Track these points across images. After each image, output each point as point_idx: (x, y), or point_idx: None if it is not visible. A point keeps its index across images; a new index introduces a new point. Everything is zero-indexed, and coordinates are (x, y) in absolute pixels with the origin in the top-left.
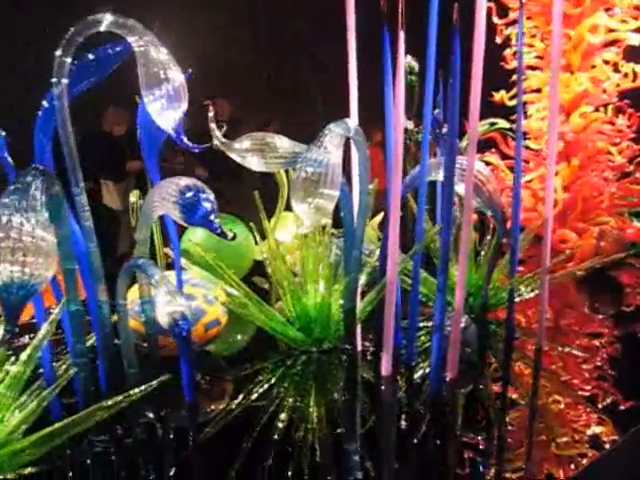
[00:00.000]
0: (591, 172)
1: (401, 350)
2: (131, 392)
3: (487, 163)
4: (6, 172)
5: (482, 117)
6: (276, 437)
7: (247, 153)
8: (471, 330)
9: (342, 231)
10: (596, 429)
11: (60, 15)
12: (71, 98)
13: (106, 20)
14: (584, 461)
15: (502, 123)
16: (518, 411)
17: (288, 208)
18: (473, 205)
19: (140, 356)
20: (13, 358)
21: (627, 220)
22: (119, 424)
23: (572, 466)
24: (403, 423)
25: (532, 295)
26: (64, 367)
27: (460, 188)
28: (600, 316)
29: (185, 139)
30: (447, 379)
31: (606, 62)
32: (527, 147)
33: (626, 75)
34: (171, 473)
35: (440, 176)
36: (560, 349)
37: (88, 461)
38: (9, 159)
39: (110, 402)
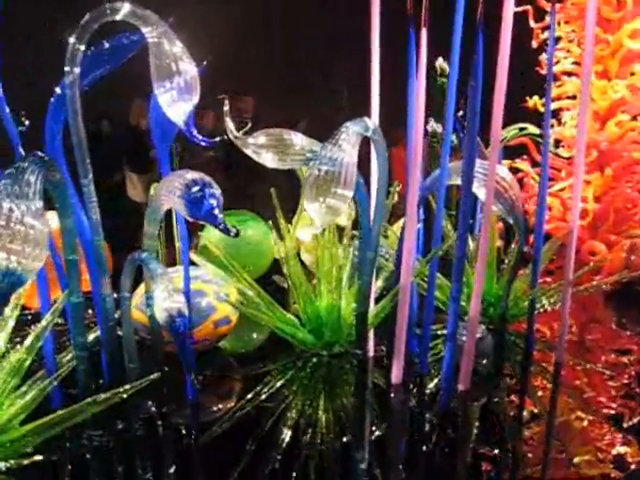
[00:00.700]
0: (625, 183)
1: (414, 357)
2: (121, 389)
3: (517, 170)
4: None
5: (514, 122)
6: (281, 441)
7: (262, 149)
8: (487, 341)
9: None
10: (620, 449)
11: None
12: (83, 87)
13: (124, 9)
14: None
15: (532, 129)
16: (535, 426)
17: None
18: (494, 212)
19: (146, 349)
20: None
21: None
22: (119, 418)
23: None
24: (412, 433)
25: (554, 307)
26: (67, 358)
27: (481, 193)
28: (628, 332)
29: (195, 132)
30: (459, 390)
31: None
32: (557, 155)
33: None
34: (170, 471)
35: (460, 180)
36: (583, 365)
37: (87, 455)
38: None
39: (103, 397)
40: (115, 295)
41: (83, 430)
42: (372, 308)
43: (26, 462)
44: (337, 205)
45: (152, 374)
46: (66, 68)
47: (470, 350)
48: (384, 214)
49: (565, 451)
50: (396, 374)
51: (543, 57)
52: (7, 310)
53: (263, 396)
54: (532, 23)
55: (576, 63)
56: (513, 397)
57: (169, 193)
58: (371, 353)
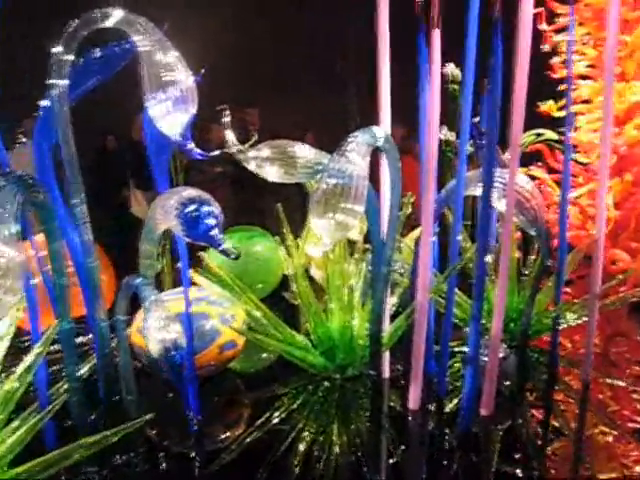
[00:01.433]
0: None
1: (432, 379)
2: (110, 432)
3: (533, 177)
4: None
5: (527, 128)
6: (292, 471)
7: (265, 162)
8: (510, 361)
9: None
10: None
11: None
12: (72, 100)
13: (116, 15)
14: None
15: (549, 134)
16: (560, 444)
17: None
18: (515, 223)
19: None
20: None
21: None
22: (118, 452)
23: None
24: (431, 458)
25: (579, 322)
26: (65, 388)
27: (501, 204)
28: None
29: (192, 145)
30: (481, 414)
31: None
32: (575, 161)
33: None
34: None
35: (478, 191)
36: (607, 379)
37: None
38: None
39: (91, 440)
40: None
41: (79, 467)
42: (387, 327)
43: None
44: (347, 221)
45: (152, 405)
46: (52, 80)
47: (492, 373)
48: (397, 227)
49: (590, 468)
50: (414, 399)
51: (555, 60)
52: None
53: (273, 422)
54: (544, 25)
55: (591, 66)
56: (537, 416)
57: (165, 212)
58: (387, 375)
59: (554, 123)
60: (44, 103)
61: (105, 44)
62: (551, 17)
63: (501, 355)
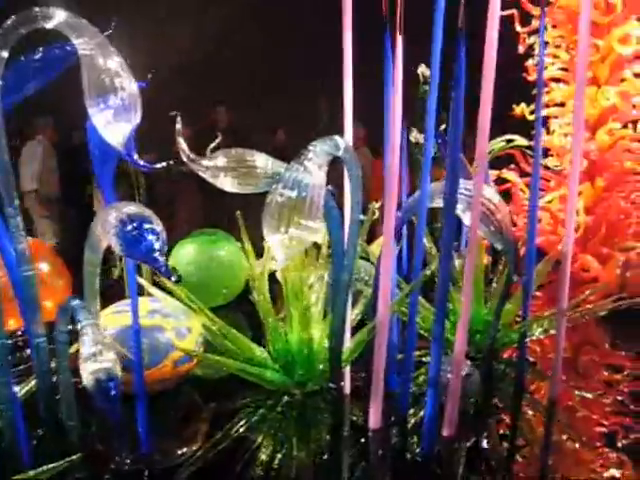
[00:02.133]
0: (617, 194)
1: (395, 395)
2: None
3: (504, 180)
4: None
5: (501, 131)
6: None
7: (220, 172)
8: (474, 379)
9: None
10: (615, 472)
11: None
12: (7, 105)
13: (58, 17)
14: None
15: (519, 140)
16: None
17: None
18: (480, 236)
19: None
20: None
21: None
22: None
23: None
24: (392, 477)
25: (548, 334)
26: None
27: (466, 217)
28: (622, 353)
29: (136, 156)
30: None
31: (636, 75)
32: (546, 167)
33: None
34: None
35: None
36: (577, 393)
37: None
38: None
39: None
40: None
41: None
42: (348, 341)
43: None
44: (302, 236)
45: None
46: None
47: (455, 394)
48: (360, 233)
49: (557, 475)
50: (374, 419)
51: (530, 63)
52: None
53: (231, 438)
54: (518, 27)
55: (564, 69)
56: (504, 432)
57: (104, 230)
58: (347, 390)
59: (528, 126)
60: None
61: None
62: (526, 19)
63: (465, 373)
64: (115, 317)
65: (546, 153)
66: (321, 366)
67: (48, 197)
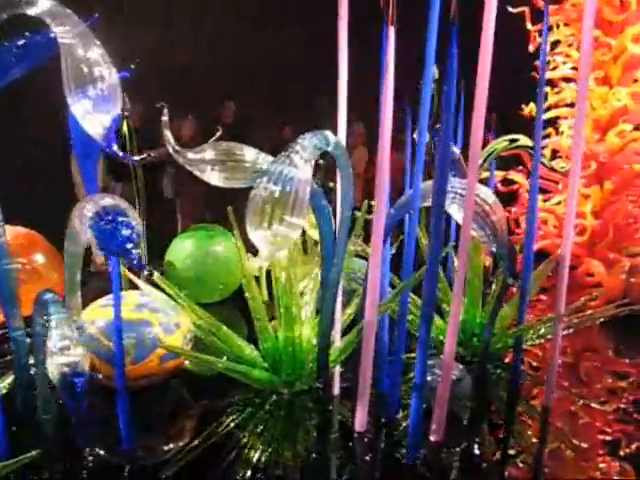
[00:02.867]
0: (626, 197)
1: (384, 396)
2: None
3: (511, 181)
4: None
5: (511, 131)
6: None
7: (207, 165)
8: (465, 383)
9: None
10: None
11: None
12: None
13: (40, 4)
14: None
15: (524, 140)
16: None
17: None
18: (475, 238)
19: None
20: None
21: None
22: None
23: None
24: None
25: (544, 340)
26: None
27: (459, 216)
28: (626, 360)
29: (116, 147)
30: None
31: None
32: (552, 169)
33: None
34: None
35: None
36: (575, 400)
37: None
38: None
39: None
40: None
41: None
42: (338, 341)
43: None
44: (286, 233)
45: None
46: None
47: (443, 398)
48: (349, 232)
49: None
50: (360, 422)
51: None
52: None
53: (217, 437)
54: (529, 25)
55: (575, 68)
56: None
57: (80, 222)
58: (336, 391)
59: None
60: None
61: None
62: (538, 16)
63: (456, 376)
64: (103, 310)
65: (555, 155)
66: (310, 365)
67: None
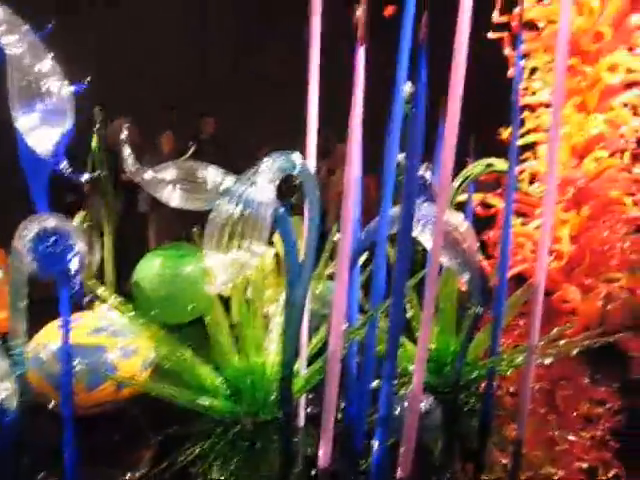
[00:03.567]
0: (603, 223)
1: (351, 428)
2: None
3: (489, 205)
4: None
5: (492, 155)
6: None
7: (167, 185)
8: (435, 415)
9: None
10: None
11: None
12: None
13: None
14: None
15: (500, 165)
16: None
17: None
18: (446, 266)
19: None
20: None
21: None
22: None
23: None
24: None
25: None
26: None
27: (429, 243)
28: (602, 388)
29: (64, 164)
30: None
31: (625, 104)
32: (526, 193)
33: None
34: None
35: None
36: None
37: None
38: None
39: None
40: None
41: None
42: (303, 370)
43: None
44: (245, 258)
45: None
46: None
47: (411, 432)
48: (314, 253)
49: None
50: (324, 457)
51: (519, 86)
52: None
53: (175, 468)
54: (507, 50)
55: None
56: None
57: (21, 243)
58: (301, 422)
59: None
60: None
61: None
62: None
63: (426, 408)
64: (59, 332)
65: (533, 179)
66: (275, 395)
67: None
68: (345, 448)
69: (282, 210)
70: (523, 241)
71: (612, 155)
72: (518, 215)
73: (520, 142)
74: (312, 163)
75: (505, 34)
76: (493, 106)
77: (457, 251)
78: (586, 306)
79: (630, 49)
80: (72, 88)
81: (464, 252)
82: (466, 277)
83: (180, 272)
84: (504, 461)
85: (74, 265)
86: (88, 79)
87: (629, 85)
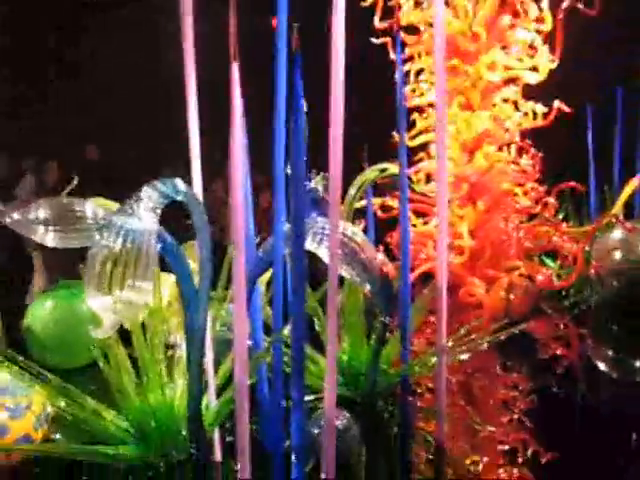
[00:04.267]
0: (498, 215)
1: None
2: None
3: (389, 208)
4: None
5: (386, 158)
6: None
7: (40, 225)
8: (353, 433)
9: None
10: None
11: None
12: None
13: None
14: None
15: (394, 168)
16: None
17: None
18: (346, 276)
19: None
20: None
21: (537, 265)
22: None
23: None
24: None
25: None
26: None
27: (324, 254)
28: (513, 374)
29: None
30: None
31: (505, 100)
32: (423, 194)
33: (526, 114)
34: None
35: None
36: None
37: None
38: None
39: None
40: None
41: None
42: (213, 402)
43: None
44: (131, 299)
45: None
46: None
47: (330, 452)
48: (209, 277)
49: None
50: None
51: (407, 89)
52: None
53: None
54: (392, 55)
55: None
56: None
57: None
58: (219, 456)
59: (413, 152)
60: None
61: None
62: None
63: (342, 426)
64: None
65: (429, 178)
66: (184, 433)
67: None
68: (266, 476)
69: (168, 237)
70: (425, 240)
71: (500, 149)
72: (418, 215)
73: (414, 143)
74: (199, 184)
75: (388, 39)
76: (389, 112)
77: (356, 262)
78: (491, 298)
79: (504, 47)
80: None
81: (363, 262)
82: (368, 287)
83: (73, 312)
84: (429, 457)
85: None
86: None
87: (507, 82)
